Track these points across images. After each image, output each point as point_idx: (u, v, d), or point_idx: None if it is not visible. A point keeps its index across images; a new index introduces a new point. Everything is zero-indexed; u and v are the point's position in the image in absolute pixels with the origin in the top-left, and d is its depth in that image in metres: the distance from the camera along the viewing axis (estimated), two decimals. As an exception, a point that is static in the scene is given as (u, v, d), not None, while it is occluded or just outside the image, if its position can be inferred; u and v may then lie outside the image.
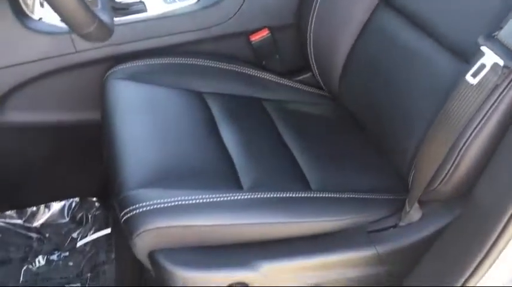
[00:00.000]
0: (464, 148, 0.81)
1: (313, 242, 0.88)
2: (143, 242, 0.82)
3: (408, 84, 0.97)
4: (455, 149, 0.82)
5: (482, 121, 0.78)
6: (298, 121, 1.15)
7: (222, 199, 0.86)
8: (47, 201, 1.41)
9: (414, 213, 0.91)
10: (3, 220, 1.37)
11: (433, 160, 0.84)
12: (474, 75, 0.76)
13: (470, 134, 0.80)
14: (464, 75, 0.78)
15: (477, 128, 0.79)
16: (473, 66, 0.77)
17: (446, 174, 0.85)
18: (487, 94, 0.76)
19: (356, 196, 0.94)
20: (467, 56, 0.84)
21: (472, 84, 0.76)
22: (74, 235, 1.37)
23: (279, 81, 1.27)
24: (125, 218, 0.83)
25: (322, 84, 1.25)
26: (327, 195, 0.92)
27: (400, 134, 0.96)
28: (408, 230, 0.91)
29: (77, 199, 1.43)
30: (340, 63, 1.14)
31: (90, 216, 1.41)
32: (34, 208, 1.39)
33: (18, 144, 1.30)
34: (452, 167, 0.84)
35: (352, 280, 0.92)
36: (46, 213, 1.40)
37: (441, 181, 0.86)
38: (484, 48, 0.76)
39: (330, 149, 1.09)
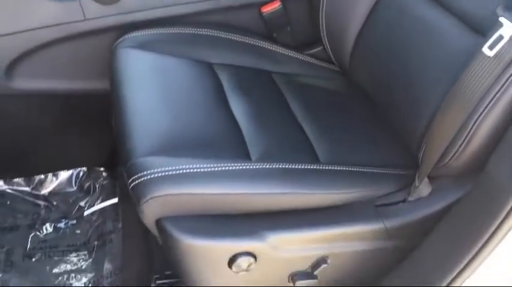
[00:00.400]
0: (477, 122, 0.80)
1: (320, 214, 0.88)
2: (151, 209, 0.82)
3: (422, 58, 0.95)
4: (468, 123, 0.81)
5: (498, 94, 0.77)
6: (307, 95, 1.14)
7: (230, 168, 0.85)
8: (54, 170, 1.41)
9: (423, 188, 0.90)
10: (11, 187, 1.38)
11: (445, 134, 0.83)
12: (491, 47, 0.75)
13: (485, 108, 0.78)
14: (481, 48, 0.76)
15: (492, 102, 0.77)
16: (489, 38, 0.76)
17: (458, 149, 0.84)
18: (504, 66, 0.74)
19: (365, 170, 0.93)
20: (483, 29, 0.83)
21: (488, 57, 0.75)
22: (82, 203, 1.38)
23: (289, 54, 1.25)
24: (132, 185, 0.82)
25: (333, 59, 1.23)
26: (335, 168, 0.92)
27: (412, 109, 0.95)
28: (417, 205, 0.91)
29: (84, 169, 1.43)
30: (353, 37, 1.13)
31: (97, 185, 1.41)
32: (42, 176, 1.40)
33: (26, 112, 1.30)
34: (465, 142, 0.82)
35: (359, 253, 0.92)
36: (54, 181, 1.40)
37: (452, 156, 0.85)
38: (502, 19, 0.74)
39: (340, 123, 1.08)
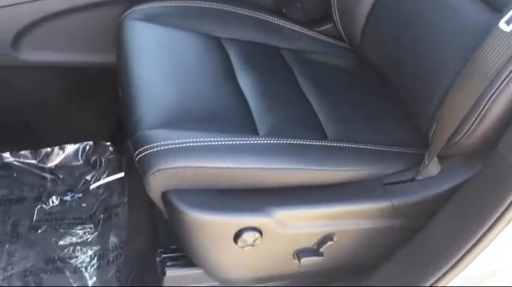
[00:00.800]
0: (491, 99, 0.79)
1: (328, 191, 0.87)
2: (157, 182, 0.81)
3: (435, 35, 0.93)
4: (481, 100, 0.79)
5: (513, 71, 0.75)
6: (317, 71, 1.13)
7: (237, 142, 0.84)
8: (61, 143, 1.41)
9: (433, 167, 0.89)
10: (17, 159, 1.38)
11: (457, 112, 0.82)
12: (508, 22, 0.73)
13: (499, 85, 0.77)
14: (497, 23, 0.75)
15: (507, 79, 0.76)
16: (506, 14, 0.74)
17: (470, 127, 0.82)
18: (520, 42, 0.73)
19: (373, 148, 0.92)
20: (499, 6, 0.81)
21: (505, 32, 0.73)
22: (88, 177, 1.38)
23: (299, 30, 1.23)
24: (138, 157, 0.82)
25: (343, 36, 1.21)
26: (343, 145, 0.91)
27: (424, 87, 0.94)
28: (425, 184, 0.90)
29: (90, 143, 1.43)
30: (364, 13, 1.11)
31: (103, 160, 1.41)
32: (48, 149, 1.40)
33: (33, 84, 1.30)
34: (477, 120, 0.81)
35: (366, 231, 0.91)
36: (60, 155, 1.40)
37: (464, 135, 0.84)
38: (520, -6, 0.72)
39: (349, 100, 1.06)
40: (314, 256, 0.90)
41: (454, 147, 0.86)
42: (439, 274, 0.84)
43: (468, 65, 0.79)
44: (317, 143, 0.89)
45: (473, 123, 0.81)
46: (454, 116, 0.82)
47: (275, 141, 0.87)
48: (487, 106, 0.79)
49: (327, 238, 0.89)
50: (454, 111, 0.82)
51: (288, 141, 0.87)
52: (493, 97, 0.78)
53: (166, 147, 0.81)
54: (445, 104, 0.84)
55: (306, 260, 0.90)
